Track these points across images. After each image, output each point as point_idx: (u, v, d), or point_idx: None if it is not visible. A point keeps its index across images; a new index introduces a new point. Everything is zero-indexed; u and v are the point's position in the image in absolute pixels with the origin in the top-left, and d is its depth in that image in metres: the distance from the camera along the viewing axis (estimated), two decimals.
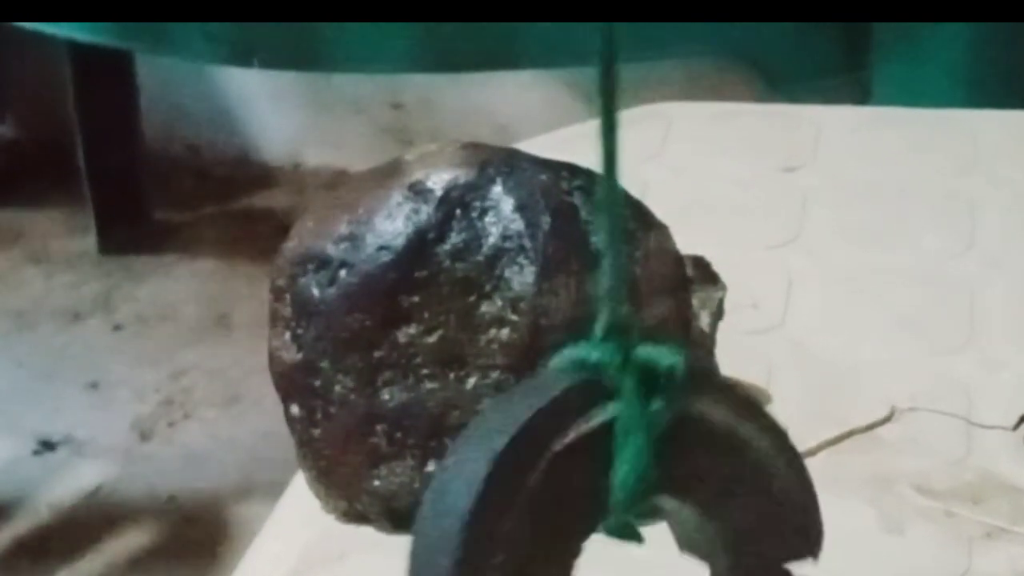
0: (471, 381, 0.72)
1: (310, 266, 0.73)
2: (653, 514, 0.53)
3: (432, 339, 0.72)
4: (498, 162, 0.73)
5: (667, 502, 0.53)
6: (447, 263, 0.72)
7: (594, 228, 0.72)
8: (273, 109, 2.27)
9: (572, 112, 2.01)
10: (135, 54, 2.06)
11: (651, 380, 0.49)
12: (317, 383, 0.73)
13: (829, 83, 1.53)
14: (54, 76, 2.11)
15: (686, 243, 0.77)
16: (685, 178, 1.02)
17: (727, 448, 0.53)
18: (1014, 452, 0.78)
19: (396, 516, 0.75)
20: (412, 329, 0.72)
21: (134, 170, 2.18)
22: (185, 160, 2.32)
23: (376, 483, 0.73)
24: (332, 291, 0.72)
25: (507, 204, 0.72)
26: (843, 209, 0.99)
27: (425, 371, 0.72)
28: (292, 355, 0.74)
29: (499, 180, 0.72)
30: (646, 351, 0.49)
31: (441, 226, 0.72)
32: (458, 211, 0.72)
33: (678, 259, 0.76)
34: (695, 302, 0.76)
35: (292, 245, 0.75)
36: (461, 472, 0.50)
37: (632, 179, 0.77)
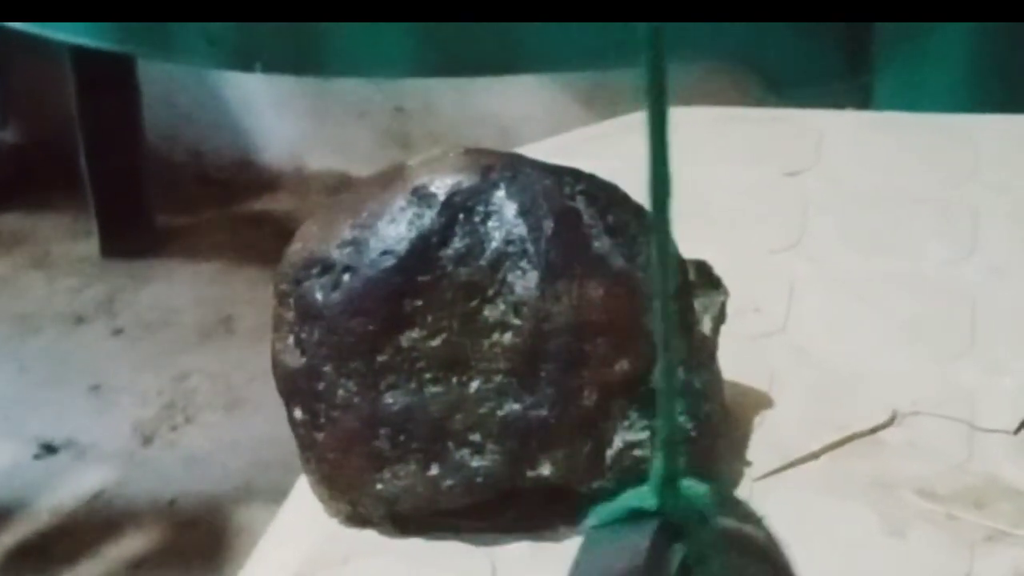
0: (474, 385, 0.72)
1: (314, 270, 0.74)
2: None
3: (435, 343, 0.72)
4: (501, 167, 0.74)
5: None
6: (450, 267, 0.72)
7: (596, 233, 0.73)
8: (275, 113, 2.27)
9: (574, 116, 2.01)
10: (137, 59, 2.06)
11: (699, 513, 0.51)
12: (320, 387, 0.73)
13: (831, 88, 1.53)
14: (56, 81, 2.12)
15: (688, 248, 0.77)
16: (686, 183, 1.01)
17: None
18: (1016, 456, 0.79)
19: (399, 519, 0.75)
20: (415, 333, 0.72)
21: (136, 174, 2.18)
22: (187, 164, 2.32)
23: (379, 486, 0.74)
24: (336, 295, 0.73)
25: (510, 209, 0.72)
26: (845, 214, 0.99)
27: (428, 375, 0.72)
28: (295, 359, 0.74)
29: (502, 185, 0.73)
30: (685, 487, 0.51)
31: (444, 231, 0.72)
32: (461, 216, 0.72)
33: (680, 263, 0.76)
34: (697, 306, 0.77)
35: (296, 249, 0.75)
36: None
37: (635, 184, 0.77)
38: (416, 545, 0.74)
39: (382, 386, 0.72)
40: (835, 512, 0.76)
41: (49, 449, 1.86)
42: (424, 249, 0.72)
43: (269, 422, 1.82)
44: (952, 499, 0.76)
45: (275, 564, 0.75)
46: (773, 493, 0.76)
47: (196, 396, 1.94)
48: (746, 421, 0.80)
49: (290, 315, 0.74)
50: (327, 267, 0.73)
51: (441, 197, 0.72)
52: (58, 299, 2.13)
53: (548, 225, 0.72)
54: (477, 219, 0.72)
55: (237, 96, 2.27)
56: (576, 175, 0.75)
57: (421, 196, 0.73)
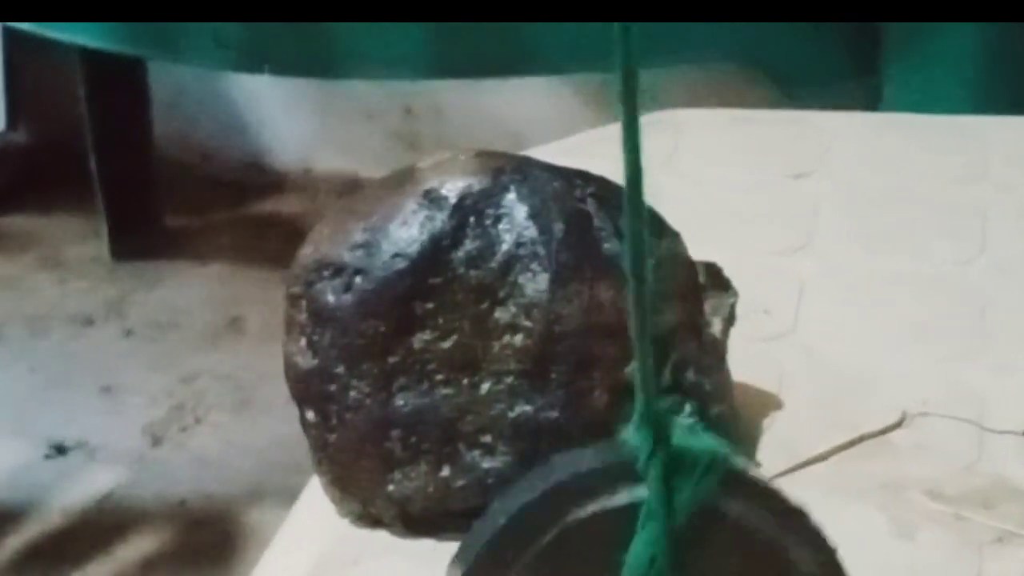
0: (485, 387, 0.72)
1: (325, 273, 0.74)
2: None
3: (446, 345, 0.72)
4: (511, 169, 0.74)
5: None
6: (461, 270, 0.72)
7: (607, 235, 0.73)
8: (284, 115, 2.27)
9: (583, 118, 2.01)
10: (147, 61, 2.07)
11: (684, 470, 0.50)
12: (332, 389, 0.73)
13: (839, 88, 1.53)
14: (66, 83, 2.12)
15: (697, 249, 0.77)
16: (696, 185, 1.02)
17: (760, 556, 0.53)
18: None
19: (410, 520, 0.75)
20: (426, 335, 0.72)
21: (146, 176, 2.19)
22: (197, 166, 2.33)
23: (390, 488, 0.74)
24: (347, 298, 0.73)
25: (520, 211, 0.73)
26: (854, 215, 0.99)
27: (439, 377, 0.73)
28: (307, 361, 0.74)
29: (512, 187, 0.73)
30: (687, 440, 0.50)
31: (455, 233, 0.72)
32: (472, 218, 0.73)
33: (691, 265, 0.76)
34: (707, 308, 0.77)
35: (307, 252, 0.76)
36: (491, 516, 0.52)
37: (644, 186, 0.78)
38: (427, 546, 0.75)
39: (393, 388, 0.73)
40: (844, 513, 0.76)
41: (59, 450, 1.87)
42: (435, 251, 0.72)
43: (278, 423, 1.83)
44: (961, 500, 0.76)
45: (287, 565, 0.76)
46: None
47: (205, 397, 1.95)
48: (755, 422, 0.80)
49: (302, 317, 0.75)
50: (339, 269, 0.74)
51: (452, 200, 0.73)
52: (68, 300, 2.14)
53: (559, 227, 0.72)
54: (488, 222, 0.72)
55: (246, 98, 2.28)
56: (586, 177, 0.75)
57: (432, 199, 0.73)
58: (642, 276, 0.50)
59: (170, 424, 1.91)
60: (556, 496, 0.52)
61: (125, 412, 1.93)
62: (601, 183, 0.75)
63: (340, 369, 0.73)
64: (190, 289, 2.15)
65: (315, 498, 0.77)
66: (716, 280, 0.78)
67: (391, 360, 0.72)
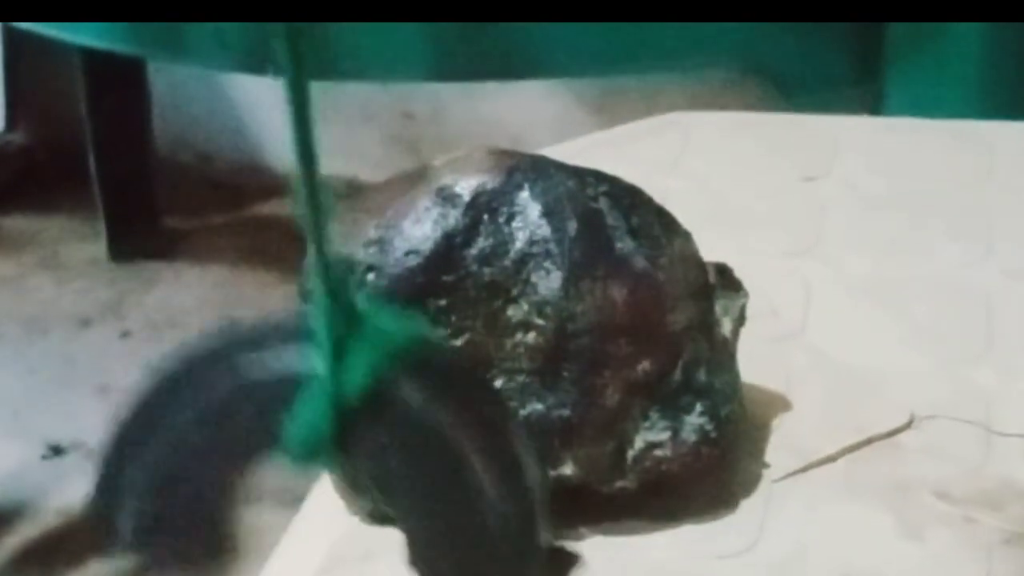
0: (497, 384, 0.72)
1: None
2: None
3: (459, 343, 0.72)
4: (525, 168, 0.74)
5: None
6: (474, 267, 0.72)
7: (619, 234, 0.73)
8: (283, 117, 2.27)
9: (583, 122, 2.01)
10: (147, 61, 2.07)
11: (365, 344, 0.48)
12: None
13: (842, 92, 1.53)
14: (66, 83, 2.12)
15: (706, 251, 0.78)
16: (704, 187, 1.02)
17: (434, 458, 0.51)
18: None
19: None
20: (439, 332, 0.72)
21: (145, 177, 2.19)
22: (196, 168, 2.33)
23: None
24: (360, 295, 0.73)
25: (534, 209, 0.73)
26: (861, 218, 0.99)
27: None
28: None
29: (526, 186, 0.73)
30: (376, 317, 0.48)
31: (468, 231, 0.72)
32: (485, 216, 0.73)
33: (701, 265, 0.77)
34: (718, 308, 0.77)
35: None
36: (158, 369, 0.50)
37: (652, 188, 0.78)
38: None
39: None
40: (852, 514, 0.76)
41: (56, 450, 1.87)
42: (448, 249, 0.72)
43: None
44: (969, 502, 0.76)
45: (297, 561, 0.76)
46: (791, 495, 0.77)
47: None
48: (764, 423, 0.81)
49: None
50: (351, 266, 0.74)
51: (466, 197, 0.73)
52: (66, 301, 2.13)
53: (572, 226, 0.72)
54: (501, 219, 0.73)
55: (245, 99, 2.28)
56: (599, 176, 0.75)
57: (446, 196, 0.73)
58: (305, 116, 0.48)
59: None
60: (225, 351, 0.50)
61: None
62: (614, 183, 0.75)
63: None
64: (188, 290, 2.15)
65: (325, 495, 0.78)
66: (727, 280, 0.78)
67: None
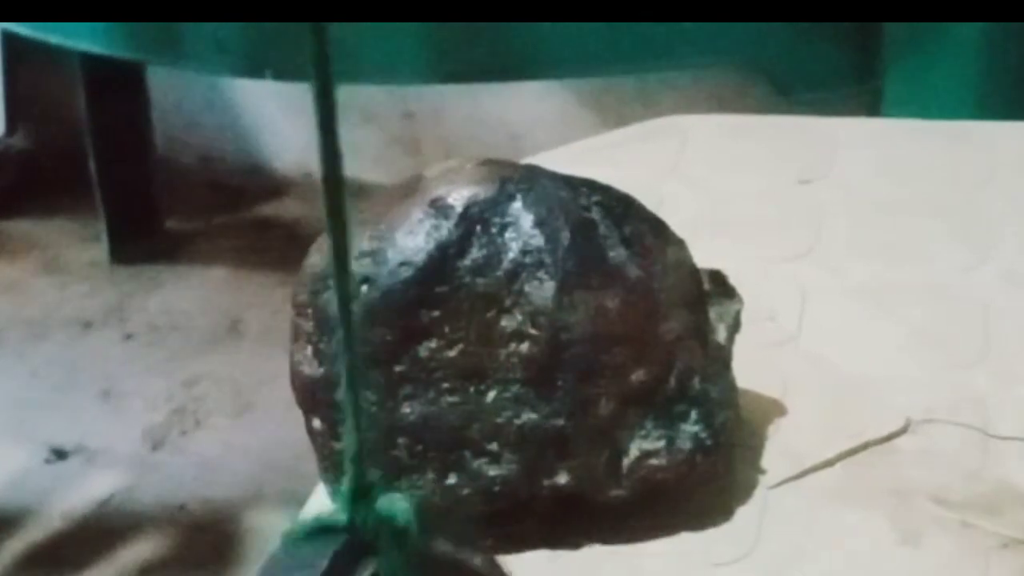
0: (491, 395, 0.72)
1: (331, 281, 0.74)
2: None
3: (452, 353, 0.72)
4: (518, 178, 0.74)
5: None
6: (468, 278, 0.72)
7: (613, 243, 0.73)
8: (284, 119, 2.27)
9: (583, 122, 2.01)
10: (147, 65, 2.07)
11: (395, 530, 0.50)
12: (339, 397, 0.73)
13: (841, 92, 1.53)
14: (67, 88, 2.12)
15: (702, 256, 0.77)
16: (701, 191, 1.02)
17: None
18: None
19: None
20: (433, 343, 0.72)
21: (146, 181, 2.19)
22: (197, 170, 2.33)
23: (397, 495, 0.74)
24: (354, 306, 0.73)
25: (527, 220, 0.73)
26: (858, 222, 0.99)
27: (446, 385, 0.73)
28: (314, 369, 0.74)
29: (519, 196, 0.73)
30: (383, 503, 0.50)
31: (462, 242, 0.72)
32: (478, 227, 0.72)
33: (695, 273, 0.76)
34: (712, 315, 0.77)
35: (313, 261, 0.76)
36: None
37: (649, 193, 0.78)
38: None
39: (400, 396, 0.73)
40: (850, 519, 0.76)
41: (60, 454, 1.87)
42: (442, 260, 0.72)
43: (278, 426, 1.83)
44: (967, 507, 0.76)
45: None
46: (788, 502, 0.77)
47: (205, 401, 1.95)
48: (761, 429, 0.81)
49: (308, 325, 0.75)
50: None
51: (458, 208, 0.73)
52: (68, 304, 2.14)
53: (565, 236, 0.72)
54: (494, 230, 0.72)
55: (246, 102, 2.28)
56: (592, 186, 0.75)
57: (439, 207, 0.73)
58: (350, 326, 0.49)
59: (170, 428, 1.91)
60: None
61: (125, 416, 1.93)
62: (607, 192, 0.75)
63: None
64: (190, 293, 2.15)
65: (321, 505, 0.77)
66: (721, 287, 0.78)
67: (397, 368, 0.72)
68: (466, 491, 0.73)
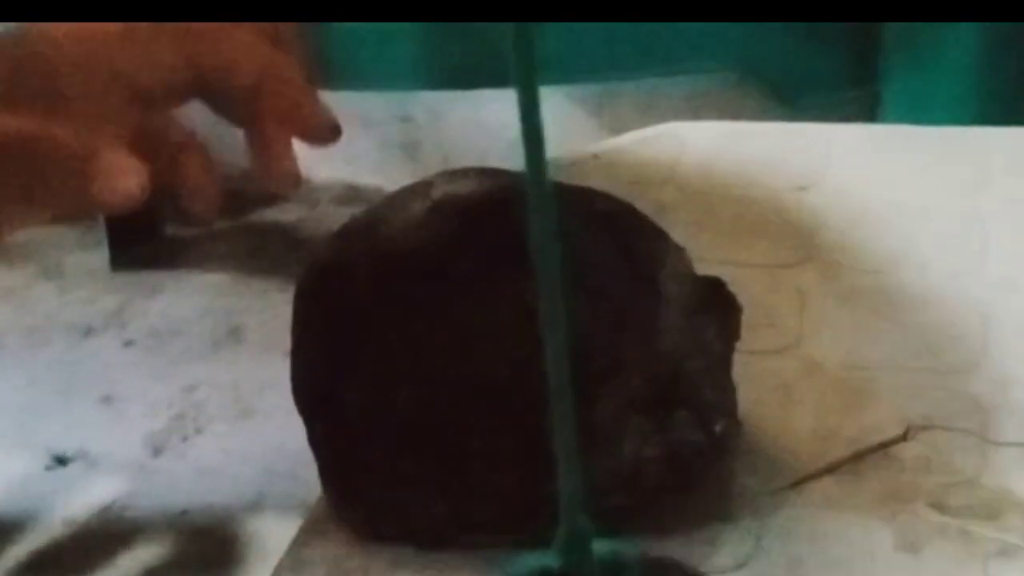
0: None
1: (332, 286, 0.74)
2: None
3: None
4: (519, 186, 0.74)
5: None
6: (467, 285, 0.72)
7: (612, 251, 0.73)
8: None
9: (581, 127, 2.01)
10: None
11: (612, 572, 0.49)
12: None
13: (838, 97, 1.53)
14: None
15: (698, 263, 0.78)
16: (697, 199, 1.02)
17: None
18: None
19: (418, 535, 0.75)
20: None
21: None
22: None
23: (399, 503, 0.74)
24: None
25: (528, 227, 0.73)
26: (856, 227, 0.99)
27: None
28: (317, 375, 0.74)
29: (519, 204, 0.73)
30: (603, 546, 0.50)
31: (462, 248, 0.73)
32: (479, 234, 0.73)
33: (695, 281, 0.77)
34: (712, 322, 0.77)
35: (314, 265, 0.76)
36: None
37: (646, 201, 0.78)
38: (434, 561, 0.75)
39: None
40: (849, 527, 0.76)
41: (60, 460, 1.86)
42: (442, 267, 0.72)
43: (279, 432, 1.83)
44: (966, 513, 0.76)
45: (300, 570, 0.76)
46: (787, 508, 0.77)
47: (206, 406, 1.94)
48: (760, 436, 0.81)
49: (309, 332, 0.75)
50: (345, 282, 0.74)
51: (459, 215, 0.73)
52: (68, 310, 2.13)
53: (565, 243, 0.72)
54: (495, 237, 0.73)
55: None
56: (592, 193, 0.75)
57: (440, 213, 0.73)
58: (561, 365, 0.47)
59: (171, 434, 1.91)
60: None
61: (125, 422, 1.92)
62: (608, 200, 0.75)
63: None
64: (190, 298, 2.14)
65: (323, 512, 0.78)
66: (721, 295, 0.78)
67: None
68: (467, 497, 0.73)
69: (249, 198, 2.33)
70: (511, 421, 0.71)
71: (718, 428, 0.75)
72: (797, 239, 0.98)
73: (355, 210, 0.79)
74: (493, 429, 0.72)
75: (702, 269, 0.78)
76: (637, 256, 0.74)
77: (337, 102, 2.30)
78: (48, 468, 1.90)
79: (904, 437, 0.81)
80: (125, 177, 0.77)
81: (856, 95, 1.53)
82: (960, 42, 1.44)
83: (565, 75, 1.67)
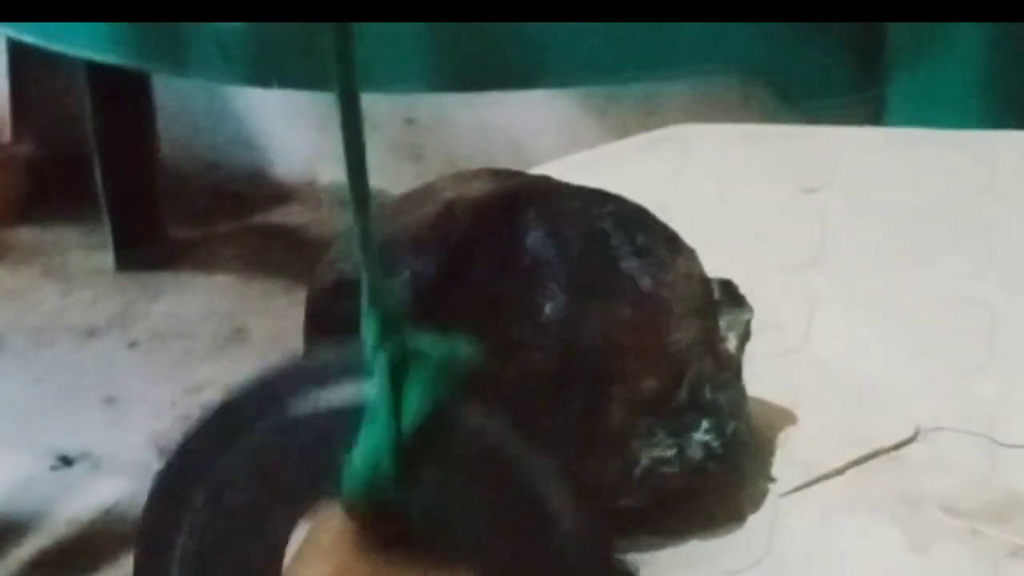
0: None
1: (343, 291, 0.74)
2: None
3: None
4: (530, 188, 0.74)
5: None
6: (478, 287, 0.72)
7: (624, 253, 0.73)
8: (288, 127, 2.28)
9: (586, 129, 2.01)
10: (152, 73, 2.07)
11: (417, 371, 0.47)
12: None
13: (844, 100, 1.54)
14: (72, 95, 2.12)
15: (708, 266, 0.78)
16: (706, 201, 1.03)
17: (496, 476, 0.50)
18: None
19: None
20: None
21: (151, 187, 2.19)
22: (201, 177, 2.33)
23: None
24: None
25: (538, 229, 0.73)
26: (864, 230, 1.00)
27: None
28: None
29: (531, 206, 0.73)
30: (422, 340, 0.47)
31: (472, 251, 0.73)
32: (489, 237, 0.73)
33: (706, 283, 0.77)
34: (723, 324, 0.77)
35: (324, 270, 0.76)
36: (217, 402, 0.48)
37: (653, 203, 0.78)
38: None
39: None
40: (859, 528, 0.76)
41: (65, 461, 1.87)
42: (453, 269, 0.73)
43: None
44: (975, 514, 0.76)
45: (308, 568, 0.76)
46: (798, 509, 0.77)
47: None
48: (770, 438, 0.81)
49: (320, 335, 0.75)
50: (356, 287, 0.74)
51: (470, 217, 0.73)
52: (72, 311, 2.14)
53: (576, 246, 0.73)
54: (505, 240, 0.73)
55: (250, 109, 2.28)
56: (603, 196, 0.75)
57: (451, 216, 0.73)
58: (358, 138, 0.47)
59: (175, 435, 1.91)
60: (277, 385, 0.49)
61: (130, 423, 1.93)
62: (618, 202, 0.75)
63: None
64: (194, 300, 2.15)
65: (330, 514, 0.78)
66: (731, 297, 0.78)
67: None
68: None
69: (254, 200, 2.33)
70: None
71: (729, 430, 0.75)
72: (806, 241, 0.98)
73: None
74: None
75: (710, 271, 0.78)
76: (648, 258, 0.74)
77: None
78: (52, 469, 1.90)
79: (914, 439, 0.81)
80: None
81: (860, 100, 1.53)
82: (965, 46, 1.45)
83: (571, 78, 1.68)
